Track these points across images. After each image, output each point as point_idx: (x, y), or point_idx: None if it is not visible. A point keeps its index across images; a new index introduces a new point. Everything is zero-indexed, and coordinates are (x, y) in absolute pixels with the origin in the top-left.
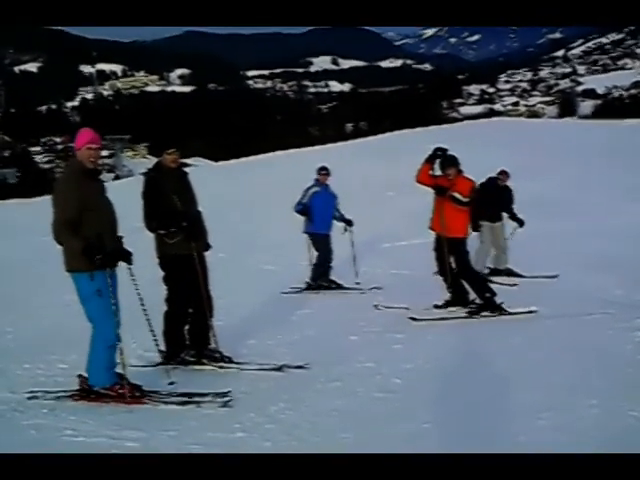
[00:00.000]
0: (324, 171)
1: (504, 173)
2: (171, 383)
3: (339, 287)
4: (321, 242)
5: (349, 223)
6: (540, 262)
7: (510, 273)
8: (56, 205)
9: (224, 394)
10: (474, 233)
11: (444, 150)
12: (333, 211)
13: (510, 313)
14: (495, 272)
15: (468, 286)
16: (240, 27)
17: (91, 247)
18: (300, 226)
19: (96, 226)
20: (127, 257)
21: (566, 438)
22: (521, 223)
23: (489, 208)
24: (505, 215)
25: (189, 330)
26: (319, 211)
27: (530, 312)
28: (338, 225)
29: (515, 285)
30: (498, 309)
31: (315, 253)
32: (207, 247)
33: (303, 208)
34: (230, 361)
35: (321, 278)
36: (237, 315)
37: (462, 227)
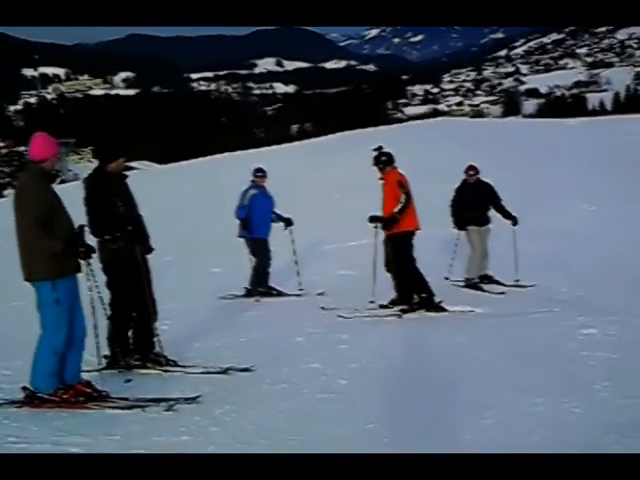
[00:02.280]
0: (260, 173)
1: (471, 168)
2: (127, 380)
3: (279, 294)
4: (259, 246)
5: (288, 222)
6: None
7: (490, 281)
8: (25, 207)
9: (195, 397)
10: (463, 240)
11: (379, 148)
12: (271, 214)
13: (449, 311)
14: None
15: (402, 283)
16: (184, 29)
17: (71, 242)
18: None
19: (63, 229)
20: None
21: (510, 436)
22: (514, 221)
23: (470, 211)
24: (495, 217)
25: (133, 334)
26: (258, 215)
27: (470, 312)
28: (278, 227)
29: (503, 293)
30: (435, 307)
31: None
32: (149, 250)
33: (247, 214)
34: (175, 365)
35: (260, 284)
36: (183, 318)
37: (403, 222)
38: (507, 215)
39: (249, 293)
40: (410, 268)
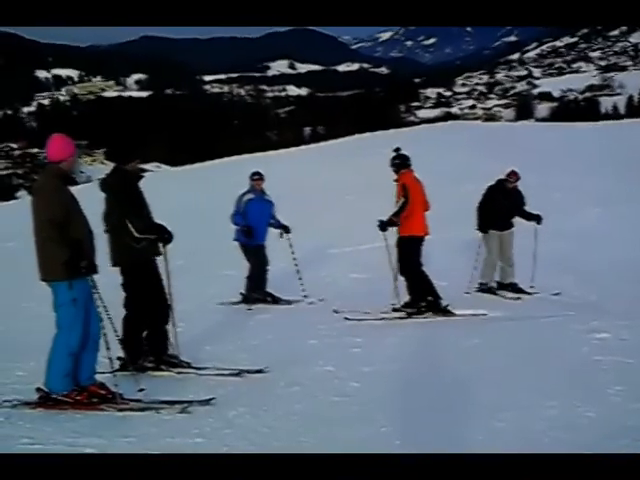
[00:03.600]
0: (257, 176)
1: (513, 174)
2: (140, 390)
3: (275, 301)
4: (253, 253)
5: (286, 229)
6: None
7: (515, 289)
8: (42, 207)
9: (209, 399)
10: (480, 243)
11: (397, 149)
12: (268, 220)
13: (457, 315)
14: (500, 286)
15: (412, 286)
16: (196, 32)
17: (75, 256)
18: None
19: (79, 231)
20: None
21: (523, 439)
22: (538, 220)
23: (497, 215)
24: (517, 221)
25: (148, 336)
26: (253, 221)
27: (483, 315)
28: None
29: (519, 299)
30: (442, 311)
31: (247, 264)
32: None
33: (243, 220)
34: (189, 366)
35: (256, 291)
36: (196, 321)
37: (408, 226)
38: (530, 217)
39: (245, 299)
40: (416, 272)
